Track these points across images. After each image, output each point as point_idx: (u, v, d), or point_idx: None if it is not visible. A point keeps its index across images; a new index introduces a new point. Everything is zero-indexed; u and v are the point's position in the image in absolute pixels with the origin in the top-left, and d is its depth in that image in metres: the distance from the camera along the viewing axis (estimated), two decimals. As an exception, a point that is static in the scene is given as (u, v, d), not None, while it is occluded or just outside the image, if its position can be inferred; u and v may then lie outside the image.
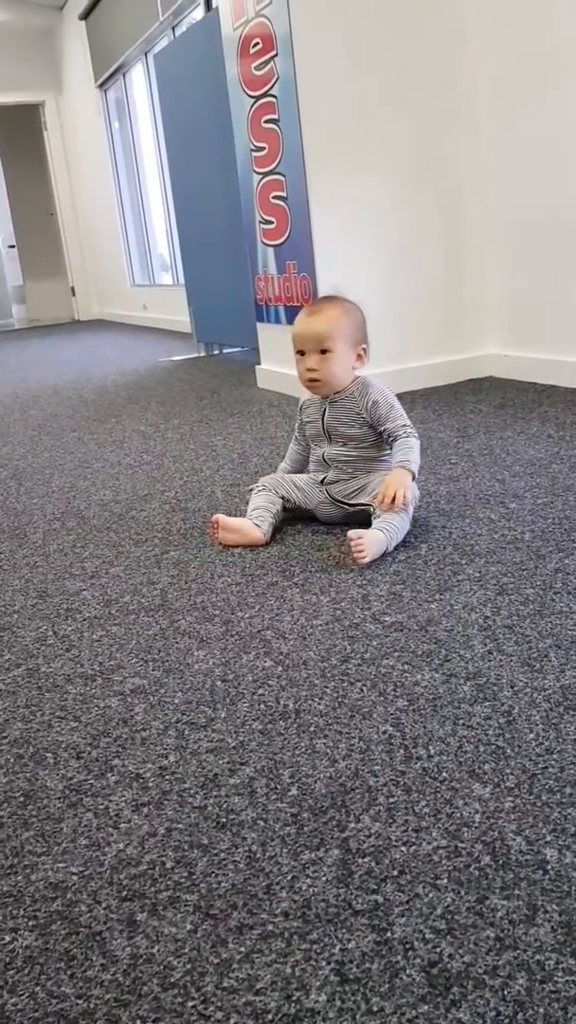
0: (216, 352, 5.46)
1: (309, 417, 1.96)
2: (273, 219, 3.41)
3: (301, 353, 1.85)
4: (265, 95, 3.27)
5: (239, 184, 3.63)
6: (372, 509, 1.80)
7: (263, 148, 3.37)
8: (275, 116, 3.23)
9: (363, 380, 1.90)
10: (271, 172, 3.35)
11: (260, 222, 3.51)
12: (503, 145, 3.24)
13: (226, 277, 4.66)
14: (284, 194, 3.30)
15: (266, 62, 3.20)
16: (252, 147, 3.44)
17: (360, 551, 1.66)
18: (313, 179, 3.15)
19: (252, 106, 3.37)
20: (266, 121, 3.30)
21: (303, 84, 3.06)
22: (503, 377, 3.46)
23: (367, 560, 1.67)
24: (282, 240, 3.39)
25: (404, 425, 1.86)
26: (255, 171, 3.46)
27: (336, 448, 1.91)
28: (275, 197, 3.36)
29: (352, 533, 1.68)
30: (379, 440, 1.89)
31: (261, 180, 3.43)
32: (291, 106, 3.11)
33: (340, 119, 3.15)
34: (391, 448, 1.87)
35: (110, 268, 9.20)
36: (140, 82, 7.47)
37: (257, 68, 3.28)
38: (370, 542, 1.68)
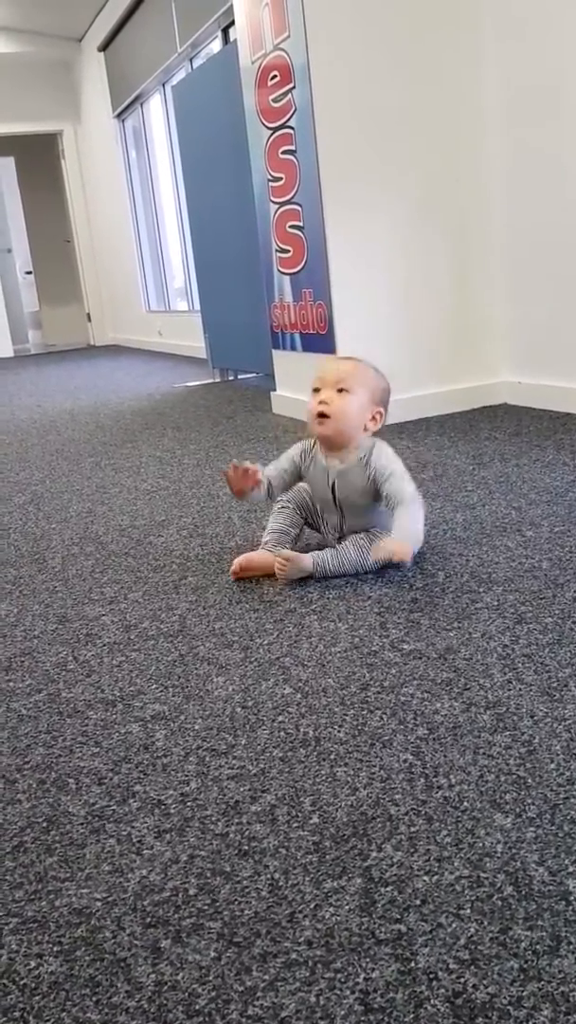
0: (231, 378, 5.51)
1: (314, 477, 1.87)
2: (290, 248, 3.46)
3: (316, 390, 1.79)
4: (283, 126, 3.32)
5: (256, 213, 3.68)
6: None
7: (280, 178, 3.42)
8: (292, 147, 3.28)
9: (374, 441, 1.82)
10: (288, 202, 3.39)
11: (276, 251, 3.55)
12: (513, 171, 3.28)
13: (241, 304, 4.71)
14: (301, 223, 3.34)
15: (284, 94, 3.26)
16: (269, 177, 3.49)
17: (282, 571, 1.77)
18: (329, 209, 3.19)
19: (269, 137, 3.42)
20: (283, 152, 3.35)
21: (320, 115, 3.11)
22: (517, 404, 3.47)
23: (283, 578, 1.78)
24: (298, 269, 3.43)
25: (409, 491, 1.75)
26: (272, 201, 3.51)
27: (352, 519, 1.85)
28: (292, 226, 3.40)
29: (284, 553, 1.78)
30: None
31: (278, 210, 3.48)
32: (308, 137, 3.16)
33: (355, 148, 3.19)
34: (392, 512, 1.75)
35: (126, 294, 9.30)
36: (157, 112, 7.59)
37: (275, 100, 3.33)
38: (293, 568, 1.77)
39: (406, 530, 1.70)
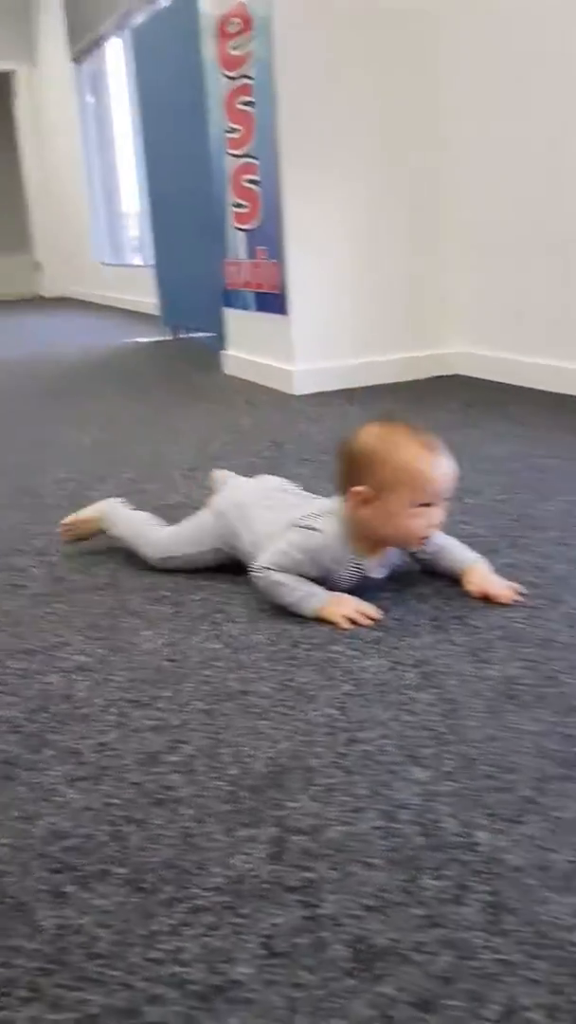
0: (183, 336, 5.42)
1: (334, 576, 1.44)
2: (245, 203, 3.39)
3: (427, 504, 1.37)
4: (242, 76, 3.24)
5: (212, 166, 3.60)
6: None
7: (238, 130, 3.34)
8: (250, 98, 3.21)
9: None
10: (245, 155, 3.33)
11: (232, 205, 3.49)
12: (476, 148, 3.25)
13: (196, 260, 4.62)
14: (257, 178, 3.28)
15: (244, 43, 3.18)
16: (227, 128, 3.42)
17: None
18: (286, 165, 3.13)
19: (228, 86, 3.35)
20: (241, 103, 3.28)
21: (279, 69, 3.05)
22: (471, 375, 3.47)
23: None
24: (253, 225, 3.37)
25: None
26: (228, 153, 3.43)
27: None
28: (248, 180, 3.34)
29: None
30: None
31: (234, 163, 3.41)
32: (266, 90, 3.09)
33: (316, 107, 3.13)
34: (438, 557, 1.51)
35: (78, 245, 9.08)
36: (117, 57, 7.38)
37: (234, 48, 3.25)
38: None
39: (472, 555, 1.51)
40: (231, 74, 3.31)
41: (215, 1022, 0.70)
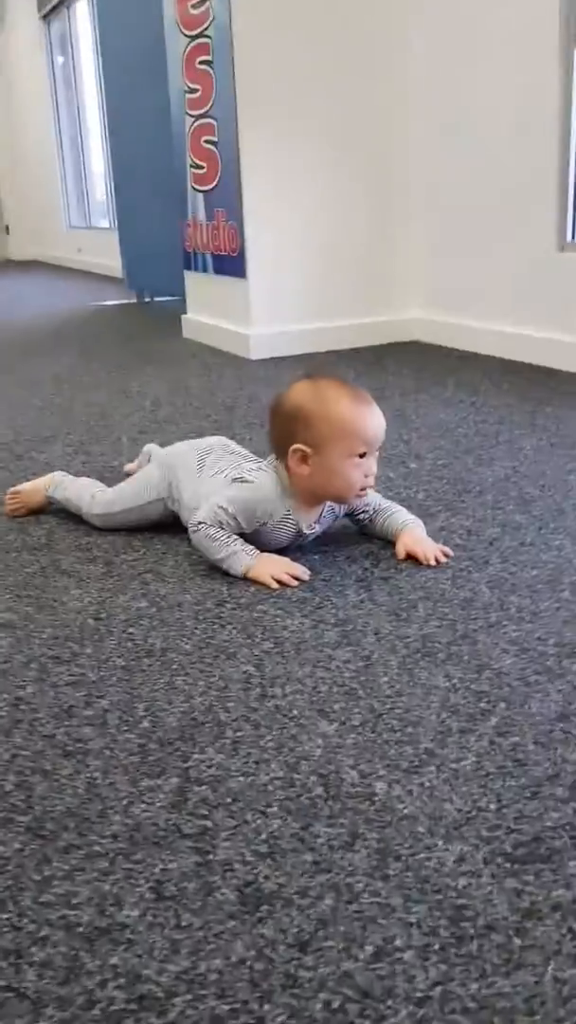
0: (148, 300, 5.38)
1: (270, 534, 1.46)
2: (204, 164, 3.36)
3: (363, 454, 1.39)
4: (200, 35, 3.19)
5: (173, 127, 3.55)
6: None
7: (197, 90, 3.30)
8: (209, 58, 3.17)
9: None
10: (203, 115, 3.28)
11: (191, 166, 3.45)
12: (432, 116, 3.23)
13: (160, 224, 4.57)
14: (215, 139, 3.24)
15: (202, 1, 3.13)
16: (186, 88, 3.37)
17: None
18: (244, 127, 3.10)
19: (187, 46, 3.29)
20: (200, 62, 3.23)
21: (238, 29, 3.00)
22: (427, 342, 3.48)
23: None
24: (212, 186, 3.34)
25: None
26: (188, 113, 3.39)
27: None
28: (206, 141, 3.30)
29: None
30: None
31: (193, 123, 3.36)
32: (225, 50, 3.05)
33: (274, 70, 3.09)
34: (374, 518, 1.53)
35: (46, 208, 8.94)
36: (84, 15, 7.23)
37: (194, 7, 3.20)
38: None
39: (408, 518, 1.53)
40: (190, 33, 3.26)
41: (98, 961, 0.72)
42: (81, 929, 0.74)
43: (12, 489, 1.76)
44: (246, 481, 1.45)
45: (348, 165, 3.28)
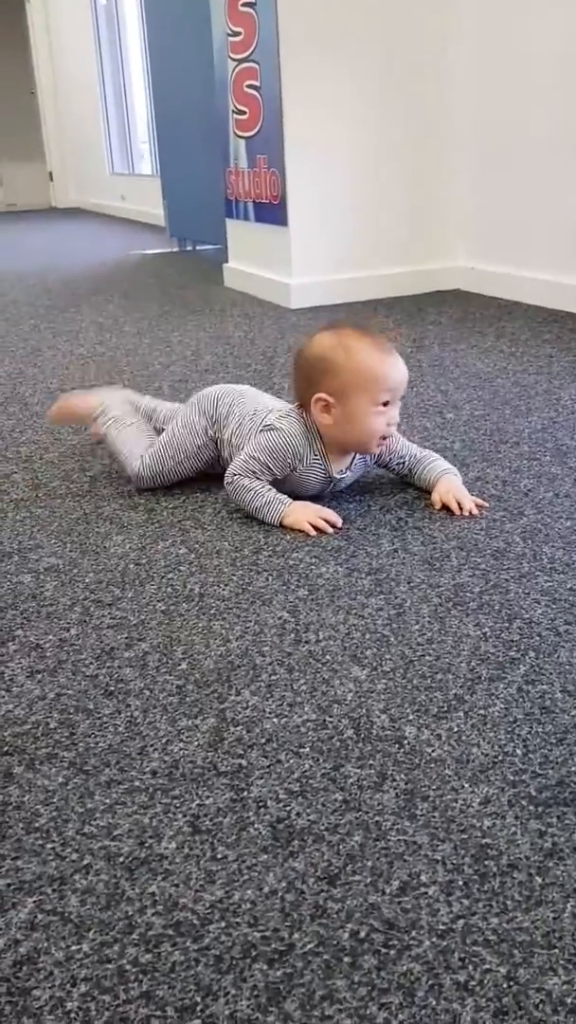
0: (189, 248, 5.35)
1: (303, 480, 1.49)
2: (246, 109, 3.31)
3: (386, 403, 1.40)
4: (243, -26, 3.12)
5: (215, 72, 3.50)
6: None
7: (239, 33, 3.23)
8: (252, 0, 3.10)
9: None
10: (246, 59, 3.23)
11: (233, 112, 3.40)
12: (480, 59, 3.14)
13: (202, 171, 4.52)
14: (258, 83, 3.19)
15: None
16: (229, 32, 3.30)
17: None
18: (287, 71, 3.04)
19: (230, -14, 3.22)
20: (243, 4, 3.16)
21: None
22: (469, 290, 3.43)
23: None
24: (254, 132, 3.29)
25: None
26: (230, 57, 3.33)
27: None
28: (249, 86, 3.25)
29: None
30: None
31: (236, 67, 3.31)
32: (268, -12, 2.98)
33: (317, 13, 3.01)
34: (413, 467, 1.55)
35: (90, 154, 8.87)
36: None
37: (236, -56, 3.12)
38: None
39: (447, 467, 1.55)
40: (232, -30, 3.19)
41: (137, 889, 0.76)
42: (122, 859, 0.79)
43: (64, 396, 1.78)
44: (274, 429, 1.47)
45: (392, 111, 3.21)
